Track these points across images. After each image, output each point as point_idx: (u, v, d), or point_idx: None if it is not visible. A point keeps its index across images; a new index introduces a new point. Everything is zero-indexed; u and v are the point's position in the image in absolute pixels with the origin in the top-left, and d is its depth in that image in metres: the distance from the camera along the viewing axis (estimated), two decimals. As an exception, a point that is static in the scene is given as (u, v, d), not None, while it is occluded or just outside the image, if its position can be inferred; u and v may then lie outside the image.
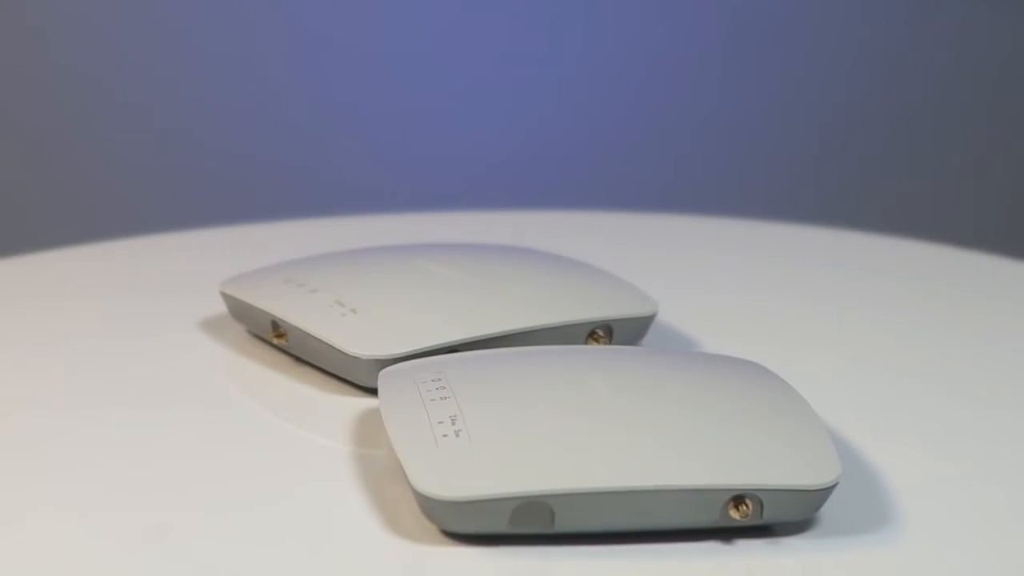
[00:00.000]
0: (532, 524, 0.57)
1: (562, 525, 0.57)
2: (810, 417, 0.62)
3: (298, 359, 0.74)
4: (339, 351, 0.70)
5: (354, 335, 0.71)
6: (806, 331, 0.83)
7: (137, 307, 0.84)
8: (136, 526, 0.59)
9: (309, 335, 0.72)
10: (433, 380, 0.65)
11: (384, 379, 0.67)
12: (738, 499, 0.58)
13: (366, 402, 0.70)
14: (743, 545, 0.58)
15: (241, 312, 0.77)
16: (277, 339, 0.74)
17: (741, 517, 0.58)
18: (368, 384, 0.70)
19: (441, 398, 0.63)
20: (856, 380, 0.76)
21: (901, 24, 1.62)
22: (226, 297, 0.78)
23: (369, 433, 0.68)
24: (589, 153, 1.55)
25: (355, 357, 0.70)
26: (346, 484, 0.63)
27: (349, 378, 0.71)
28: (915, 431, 0.70)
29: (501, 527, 0.57)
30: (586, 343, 0.74)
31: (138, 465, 0.64)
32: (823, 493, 0.58)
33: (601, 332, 0.75)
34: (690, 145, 1.67)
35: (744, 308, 0.86)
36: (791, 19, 1.63)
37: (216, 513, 0.61)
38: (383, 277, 0.76)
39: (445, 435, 0.60)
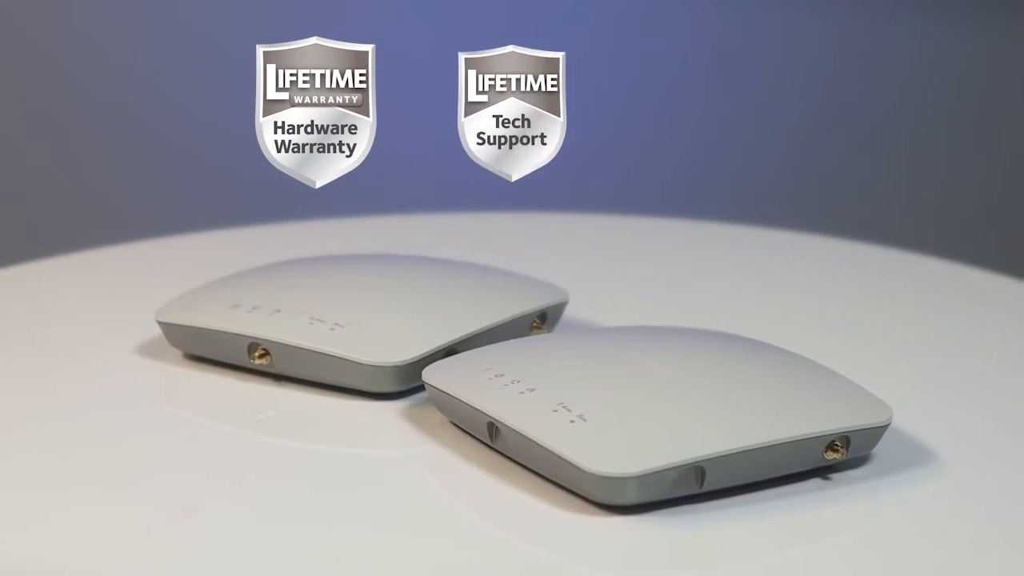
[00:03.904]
0: (686, 487, 0.63)
1: (708, 484, 0.63)
2: (827, 369, 0.71)
3: (277, 376, 0.75)
4: (354, 362, 0.72)
5: (363, 345, 0.73)
6: (692, 310, 0.91)
7: (57, 339, 0.82)
8: None
9: (312, 351, 0.73)
10: (497, 376, 0.68)
11: (437, 379, 0.69)
12: (831, 442, 0.66)
13: (373, 406, 0.72)
14: (840, 481, 0.66)
15: (193, 338, 0.76)
16: (259, 360, 0.74)
17: (840, 457, 0.66)
18: (377, 390, 0.73)
19: (528, 390, 0.67)
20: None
21: (876, 40, 1.70)
22: (170, 325, 0.76)
23: (404, 434, 0.70)
24: (575, 158, 1.54)
25: (373, 366, 0.72)
26: (440, 484, 0.66)
27: (358, 387, 0.73)
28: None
29: (662, 494, 0.62)
30: (530, 332, 0.79)
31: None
32: (884, 429, 0.68)
33: (538, 320, 0.80)
34: (680, 151, 1.71)
35: (650, 295, 0.93)
36: (771, 36, 1.68)
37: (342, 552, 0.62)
38: (332, 290, 0.77)
39: (572, 421, 0.64)
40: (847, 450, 0.66)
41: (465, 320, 0.76)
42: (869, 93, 1.69)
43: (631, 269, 0.98)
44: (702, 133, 1.72)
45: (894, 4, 1.67)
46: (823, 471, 0.67)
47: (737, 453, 0.63)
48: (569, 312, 0.83)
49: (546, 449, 0.63)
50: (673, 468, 0.62)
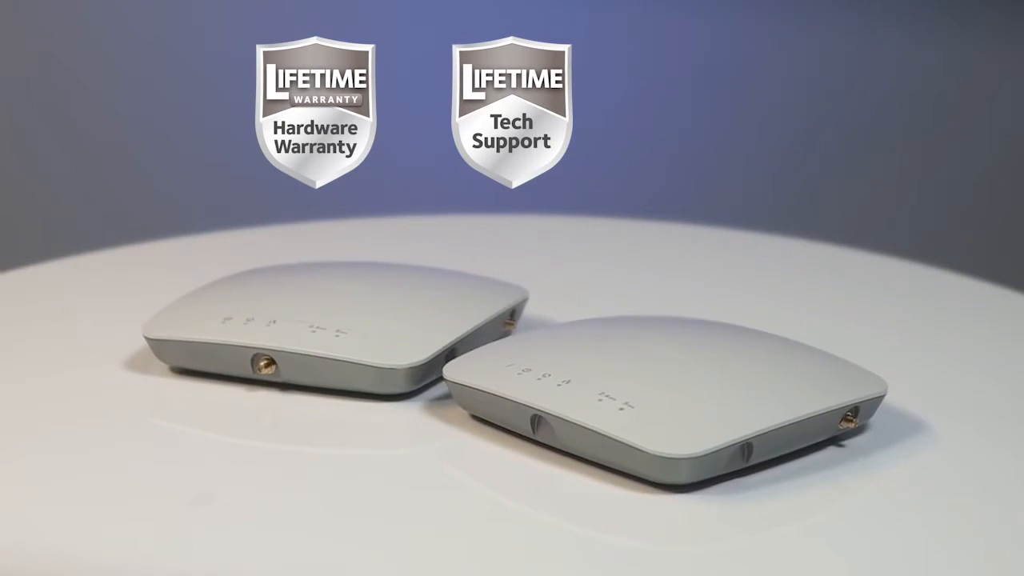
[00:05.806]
0: (736, 463, 0.66)
1: (754, 459, 0.66)
2: (820, 351, 0.75)
3: (281, 386, 0.75)
4: (369, 366, 0.73)
5: (374, 349, 0.74)
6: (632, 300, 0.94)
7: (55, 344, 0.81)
8: None
9: (325, 358, 0.73)
10: (525, 371, 0.70)
11: (465, 377, 0.71)
12: (846, 413, 0.70)
13: (384, 407, 0.74)
14: (851, 448, 0.70)
15: (189, 352, 0.75)
16: (264, 370, 0.74)
17: (855, 427, 0.70)
18: (388, 392, 0.74)
19: (565, 382, 0.69)
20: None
21: (860, 50, 1.70)
22: (161, 341, 0.75)
23: (432, 430, 0.72)
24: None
25: (388, 368, 0.73)
26: (491, 475, 0.68)
27: (369, 390, 0.74)
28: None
29: (715, 470, 0.65)
30: (504, 328, 0.81)
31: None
32: (882, 399, 0.72)
33: (510, 318, 0.82)
34: (668, 154, 1.71)
35: (599, 293, 0.95)
36: (759, 46, 1.67)
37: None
38: (320, 299, 0.78)
39: (621, 408, 0.66)
40: (857, 419, 0.71)
41: (459, 320, 0.77)
42: (853, 101, 1.75)
43: (590, 268, 1.01)
44: (691, 137, 1.75)
45: (879, 16, 1.72)
46: (835, 440, 0.71)
47: (779, 428, 0.67)
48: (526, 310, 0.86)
49: (605, 436, 0.65)
50: (729, 446, 0.65)
